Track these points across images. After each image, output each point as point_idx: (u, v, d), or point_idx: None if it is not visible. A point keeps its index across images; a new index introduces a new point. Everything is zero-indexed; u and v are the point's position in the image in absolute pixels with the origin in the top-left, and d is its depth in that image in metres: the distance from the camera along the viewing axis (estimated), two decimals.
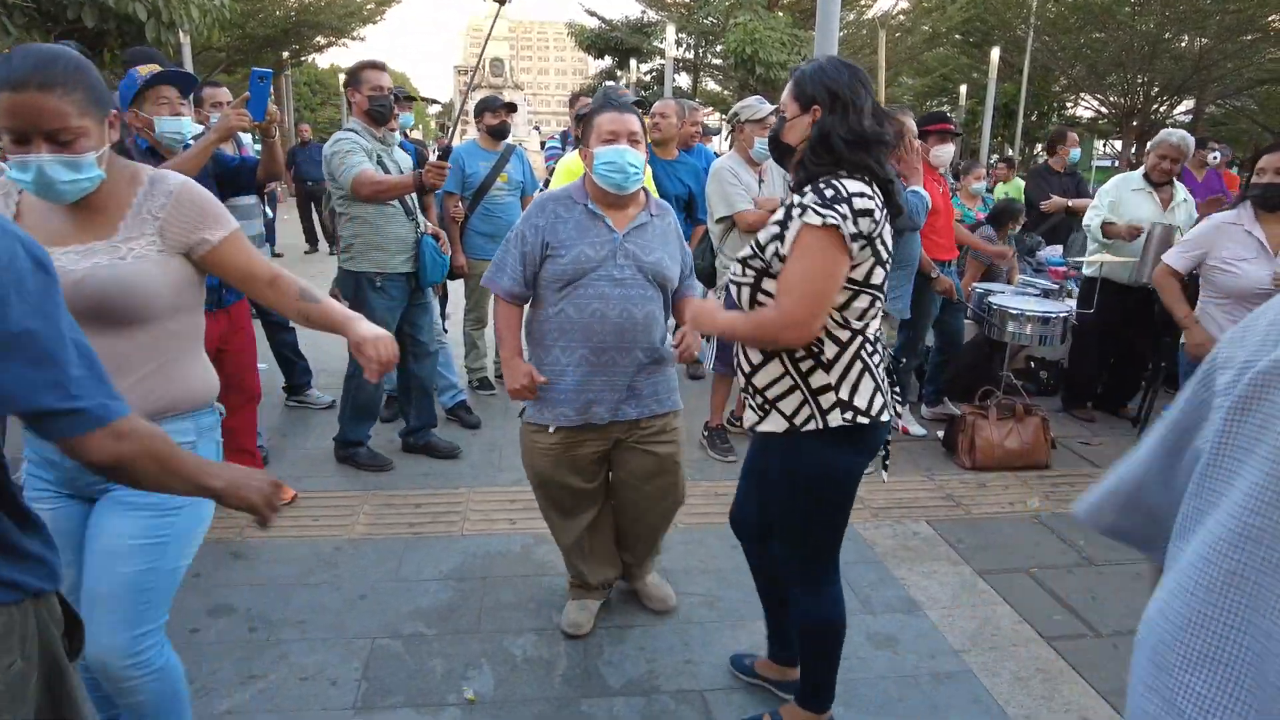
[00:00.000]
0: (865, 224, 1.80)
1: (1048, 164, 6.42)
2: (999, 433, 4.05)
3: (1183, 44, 20.71)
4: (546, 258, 2.43)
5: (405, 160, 3.89)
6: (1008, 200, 5.88)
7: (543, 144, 14.04)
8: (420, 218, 3.96)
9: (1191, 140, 4.48)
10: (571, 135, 6.00)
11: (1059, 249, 6.08)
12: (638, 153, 2.38)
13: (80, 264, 1.56)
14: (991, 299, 4.44)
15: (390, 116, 3.81)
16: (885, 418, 1.98)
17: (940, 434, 4.49)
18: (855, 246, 1.81)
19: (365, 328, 1.75)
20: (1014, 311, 4.19)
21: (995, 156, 18.44)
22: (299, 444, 4.40)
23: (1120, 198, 4.74)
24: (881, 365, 2.01)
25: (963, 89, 22.71)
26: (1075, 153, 6.19)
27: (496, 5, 3.40)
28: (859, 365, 1.94)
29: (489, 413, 4.92)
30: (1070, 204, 6.07)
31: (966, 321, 4.90)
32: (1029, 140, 25.03)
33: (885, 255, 1.88)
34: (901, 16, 24.53)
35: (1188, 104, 23.84)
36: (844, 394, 1.93)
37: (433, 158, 3.96)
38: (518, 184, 4.88)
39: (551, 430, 2.50)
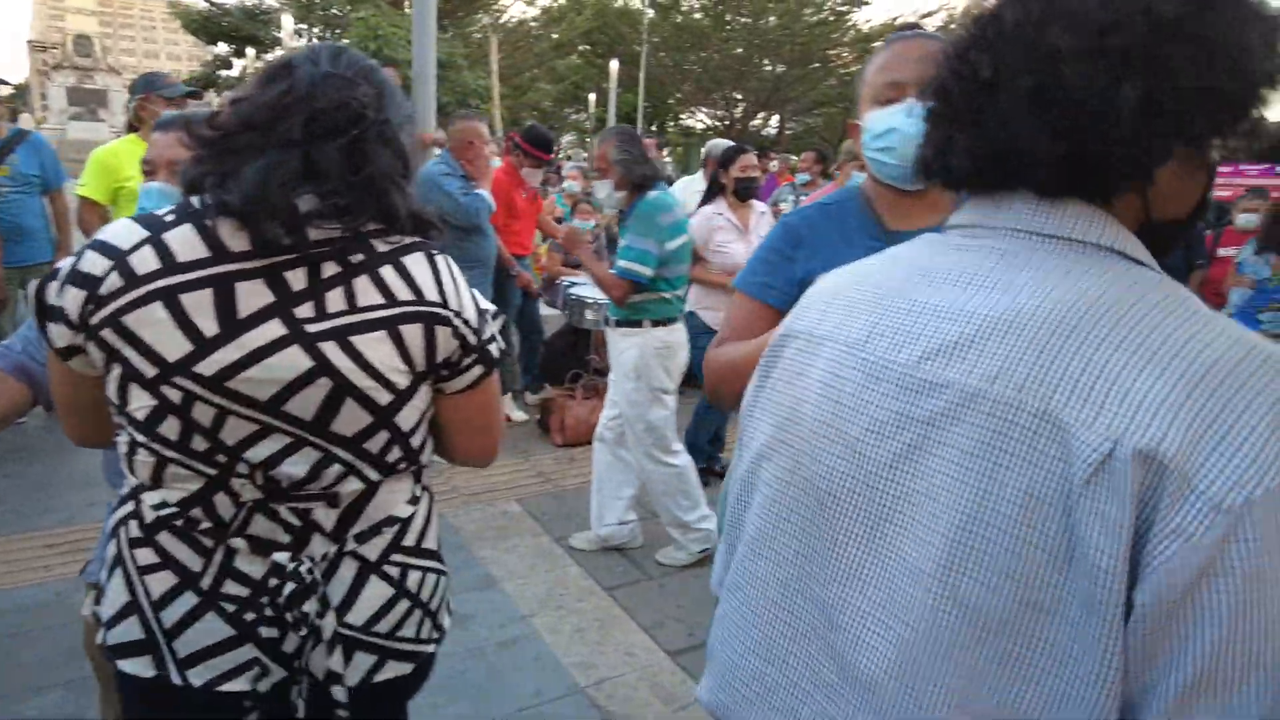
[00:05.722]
0: (72, 300, 0.97)
1: None
2: (586, 410, 4.41)
3: (766, 68, 24.28)
4: None
5: None
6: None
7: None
8: None
9: (720, 146, 5.27)
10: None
11: None
12: None
13: None
14: (573, 290, 4.83)
15: None
16: (140, 670, 1.08)
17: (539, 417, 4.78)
18: (57, 332, 1.00)
19: None
20: (590, 301, 4.60)
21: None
22: None
23: (685, 198, 5.47)
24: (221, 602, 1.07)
25: (592, 97, 24.29)
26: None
27: None
28: (113, 549, 1.11)
29: (44, 448, 4.20)
30: None
31: (556, 311, 5.30)
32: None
33: (151, 372, 0.97)
34: (534, 23, 25.58)
35: (775, 120, 28.06)
36: (103, 577, 1.13)
37: None
38: (28, 178, 4.08)
39: None
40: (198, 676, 1.06)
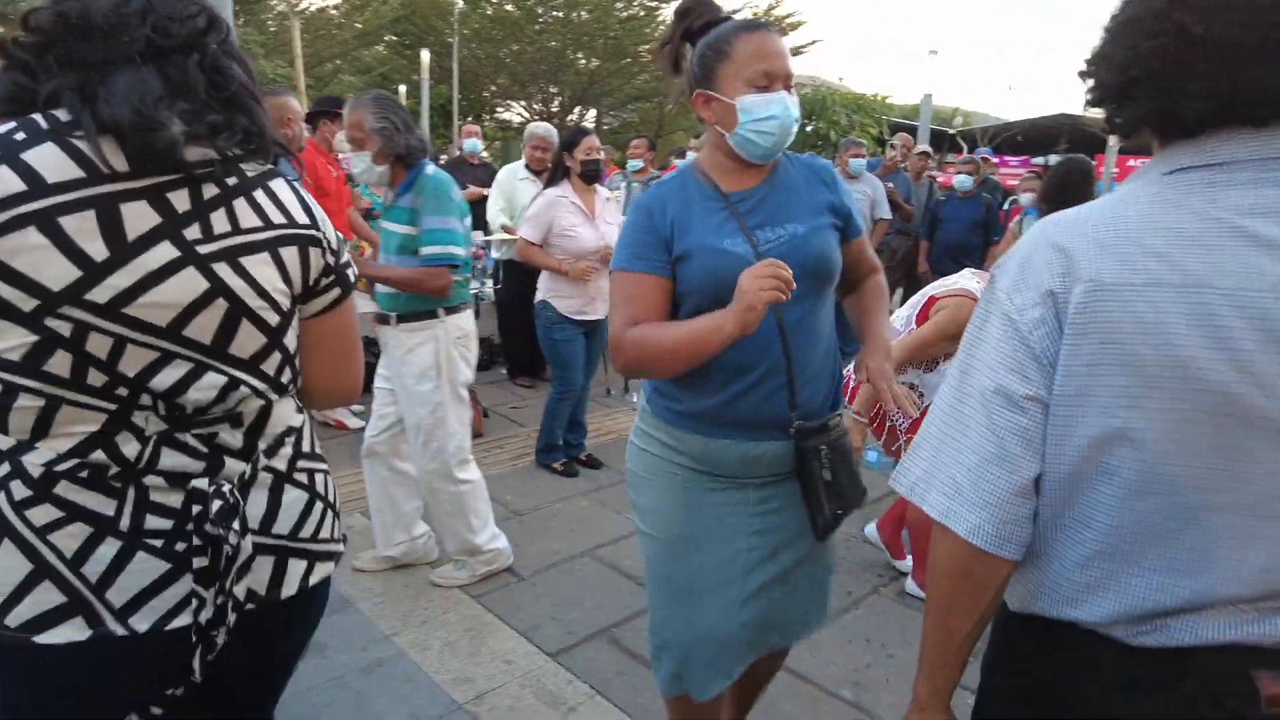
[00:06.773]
0: None
1: (461, 155, 6.89)
2: None
3: (580, 62, 24.33)
4: None
5: None
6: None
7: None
8: None
9: (553, 132, 5.20)
10: None
11: (480, 233, 6.56)
12: None
13: None
14: None
15: None
16: (71, 635, 0.95)
17: None
18: None
19: None
20: None
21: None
22: None
23: (512, 186, 5.39)
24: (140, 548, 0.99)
25: (402, 89, 23.24)
26: (471, 143, 6.73)
27: None
28: None
29: None
30: (483, 192, 6.60)
31: None
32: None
33: (30, 304, 0.88)
34: (336, 11, 24.19)
35: (592, 114, 28.22)
36: None
37: None
38: None
39: None
40: (142, 621, 0.99)
